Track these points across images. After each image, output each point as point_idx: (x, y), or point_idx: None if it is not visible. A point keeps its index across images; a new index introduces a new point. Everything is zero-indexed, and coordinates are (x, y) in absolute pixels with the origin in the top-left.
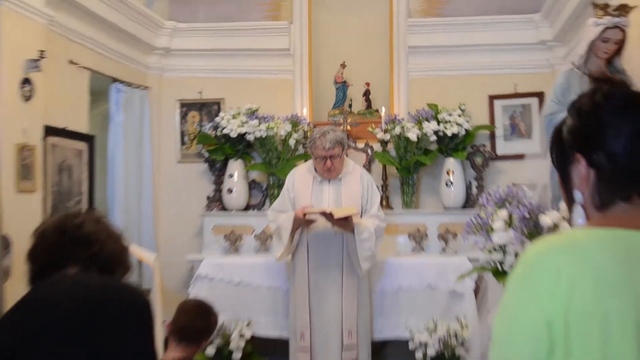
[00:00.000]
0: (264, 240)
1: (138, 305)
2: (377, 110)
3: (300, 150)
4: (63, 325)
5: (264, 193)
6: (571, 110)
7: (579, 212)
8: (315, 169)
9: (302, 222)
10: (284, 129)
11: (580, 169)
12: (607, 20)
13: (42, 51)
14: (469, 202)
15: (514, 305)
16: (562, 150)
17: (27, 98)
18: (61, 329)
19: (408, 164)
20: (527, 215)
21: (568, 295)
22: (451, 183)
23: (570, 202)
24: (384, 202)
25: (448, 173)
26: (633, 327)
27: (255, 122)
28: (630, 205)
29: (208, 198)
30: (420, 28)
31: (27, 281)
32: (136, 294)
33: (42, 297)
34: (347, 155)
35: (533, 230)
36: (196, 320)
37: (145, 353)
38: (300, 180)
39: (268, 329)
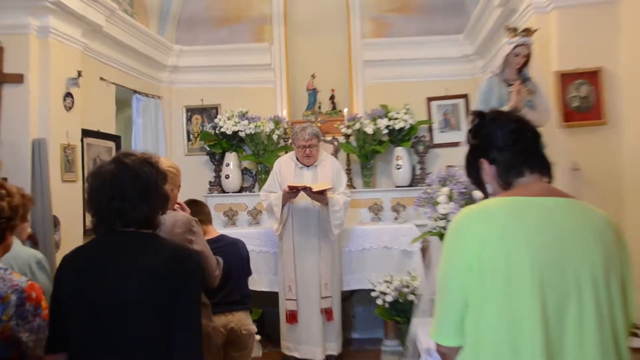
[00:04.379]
0: (255, 215)
1: (198, 266)
2: (340, 111)
3: (282, 143)
4: (152, 278)
5: (254, 178)
6: (468, 137)
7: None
8: (297, 158)
9: (288, 197)
10: (268, 127)
11: (486, 169)
12: (517, 39)
13: (79, 71)
14: (414, 180)
15: (446, 257)
16: (473, 167)
17: (69, 108)
18: (150, 281)
19: (366, 152)
20: (464, 191)
21: (480, 246)
22: (400, 166)
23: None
24: (348, 182)
25: (397, 158)
26: (527, 263)
27: (246, 122)
28: (524, 178)
29: (210, 183)
30: (372, 46)
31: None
32: (194, 257)
33: (128, 259)
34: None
35: (468, 202)
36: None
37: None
38: (285, 166)
39: (261, 285)
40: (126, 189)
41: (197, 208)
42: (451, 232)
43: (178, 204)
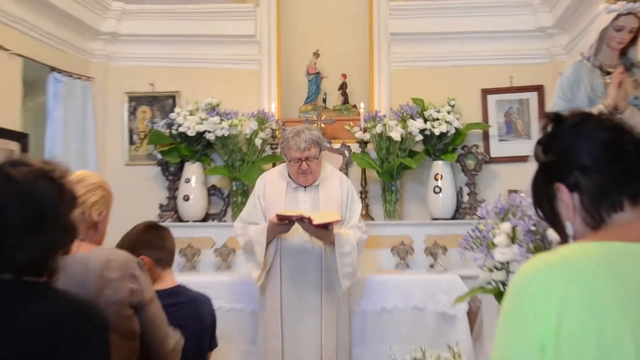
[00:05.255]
0: (226, 255)
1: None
2: (354, 106)
3: (268, 151)
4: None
5: (225, 201)
6: (537, 150)
7: None
8: (289, 174)
9: (276, 231)
10: (249, 127)
11: (564, 199)
12: (621, 6)
13: None
14: (459, 211)
15: (507, 329)
16: (544, 195)
17: None
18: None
19: (390, 168)
20: (533, 228)
21: (559, 316)
22: (440, 189)
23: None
24: (364, 211)
25: (436, 178)
26: (630, 340)
27: (216, 119)
28: (622, 214)
29: (161, 206)
30: (403, 12)
31: None
32: (100, 319)
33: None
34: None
35: (540, 245)
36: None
37: None
38: (272, 186)
39: (231, 359)
40: (9, 215)
41: (157, 239)
42: (514, 291)
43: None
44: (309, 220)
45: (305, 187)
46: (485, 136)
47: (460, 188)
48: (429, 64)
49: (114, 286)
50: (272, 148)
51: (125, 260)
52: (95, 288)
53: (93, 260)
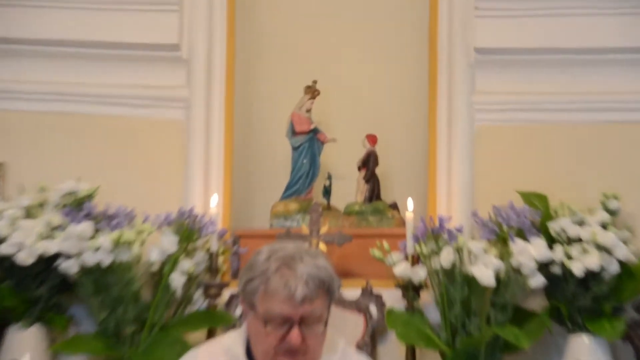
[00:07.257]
0: None
1: None
2: (393, 206)
3: (199, 302)
4: None
5: None
6: None
7: None
8: (249, 352)
9: None
10: (158, 247)
11: None
12: None
13: None
14: None
15: None
16: None
17: None
18: None
19: (472, 345)
20: None
21: None
22: None
23: None
24: None
25: None
26: None
27: (86, 227)
28: None
29: None
30: (502, 9)
31: None
32: None
33: None
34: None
35: None
36: None
37: None
38: None
39: None
40: None
41: None
42: None
43: None
44: None
45: None
46: None
47: None
48: (554, 116)
49: None
50: (208, 295)
51: None
52: None
53: None
